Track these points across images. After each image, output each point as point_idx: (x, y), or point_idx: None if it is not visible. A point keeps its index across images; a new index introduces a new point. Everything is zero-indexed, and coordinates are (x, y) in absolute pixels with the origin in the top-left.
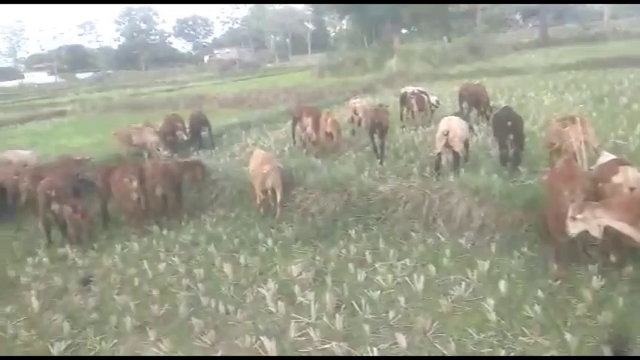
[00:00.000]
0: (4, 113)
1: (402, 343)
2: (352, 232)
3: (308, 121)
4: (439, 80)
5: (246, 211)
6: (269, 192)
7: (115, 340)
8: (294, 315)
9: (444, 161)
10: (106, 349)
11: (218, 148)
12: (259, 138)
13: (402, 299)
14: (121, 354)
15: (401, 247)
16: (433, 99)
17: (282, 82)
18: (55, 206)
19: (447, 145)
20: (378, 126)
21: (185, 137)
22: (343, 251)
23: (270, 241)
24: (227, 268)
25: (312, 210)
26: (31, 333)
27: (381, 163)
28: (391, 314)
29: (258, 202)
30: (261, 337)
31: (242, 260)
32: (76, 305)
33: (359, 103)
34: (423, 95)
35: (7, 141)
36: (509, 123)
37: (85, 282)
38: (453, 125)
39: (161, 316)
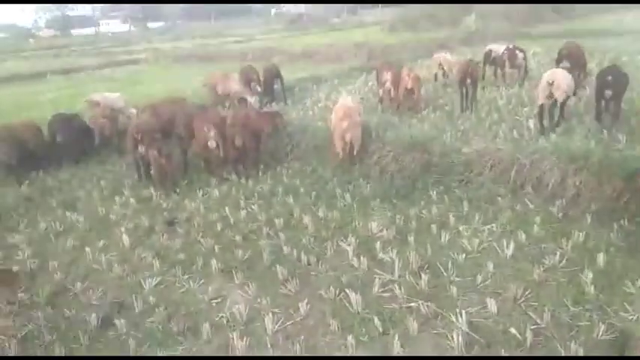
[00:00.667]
0: (82, 59)
1: (492, 308)
2: (433, 194)
3: (387, 76)
4: (521, 40)
5: (321, 165)
6: (347, 146)
7: (202, 281)
8: (376, 271)
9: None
10: (194, 288)
11: (290, 101)
12: (331, 93)
13: (490, 264)
14: (209, 294)
15: (486, 211)
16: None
17: (351, 36)
18: (141, 148)
19: (550, 96)
20: (470, 76)
21: (259, 89)
22: (424, 212)
23: (348, 197)
24: (306, 219)
25: (390, 168)
26: (124, 268)
27: (467, 111)
28: (479, 279)
29: (335, 155)
30: (346, 290)
31: (320, 213)
32: (163, 245)
33: (443, 56)
34: (516, 51)
35: (87, 86)
36: (609, 78)
37: (170, 223)
38: (558, 76)
39: (245, 261)
